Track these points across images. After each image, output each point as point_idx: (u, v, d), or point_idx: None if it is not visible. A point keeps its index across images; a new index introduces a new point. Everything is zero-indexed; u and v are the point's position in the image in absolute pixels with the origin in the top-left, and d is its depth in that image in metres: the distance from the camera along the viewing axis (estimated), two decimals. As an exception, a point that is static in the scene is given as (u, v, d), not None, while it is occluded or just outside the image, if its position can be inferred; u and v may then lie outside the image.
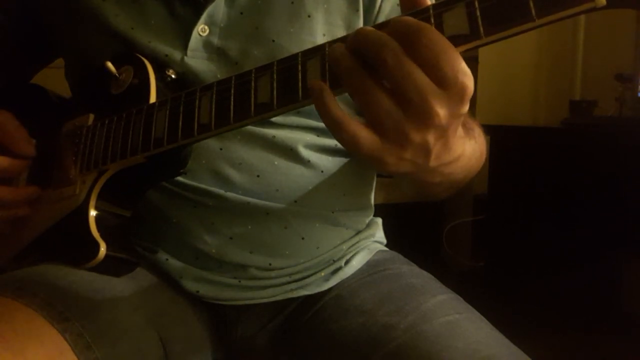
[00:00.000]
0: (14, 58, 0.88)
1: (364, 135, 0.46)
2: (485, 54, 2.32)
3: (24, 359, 0.58)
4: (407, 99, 0.45)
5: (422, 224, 2.30)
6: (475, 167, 0.67)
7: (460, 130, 0.52)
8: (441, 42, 0.44)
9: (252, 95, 0.54)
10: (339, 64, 0.47)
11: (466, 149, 0.57)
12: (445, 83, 0.45)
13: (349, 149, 0.48)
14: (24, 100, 0.83)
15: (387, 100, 0.46)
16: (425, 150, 0.48)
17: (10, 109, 0.75)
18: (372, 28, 0.47)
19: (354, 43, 0.47)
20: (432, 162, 0.49)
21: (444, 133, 0.47)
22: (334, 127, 0.47)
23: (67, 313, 0.64)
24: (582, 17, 2.34)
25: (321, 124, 0.73)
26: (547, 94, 2.52)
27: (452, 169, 0.54)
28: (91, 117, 0.72)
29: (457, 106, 0.46)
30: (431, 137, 0.47)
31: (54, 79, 0.88)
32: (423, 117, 0.46)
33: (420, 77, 0.45)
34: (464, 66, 0.44)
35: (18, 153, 0.74)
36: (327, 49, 0.50)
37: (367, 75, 0.46)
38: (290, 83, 0.52)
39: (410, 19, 0.46)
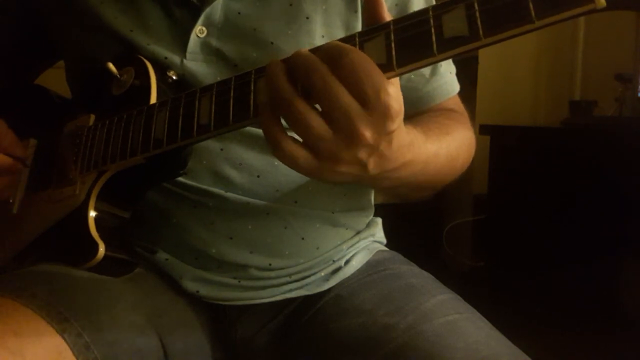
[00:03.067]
0: (16, 59, 0.89)
1: (301, 154, 0.50)
2: (485, 54, 2.32)
3: (23, 359, 0.58)
4: (334, 120, 0.48)
5: (422, 224, 2.30)
6: (449, 166, 0.69)
7: (411, 137, 0.56)
8: (364, 64, 0.47)
9: (252, 96, 0.54)
10: (271, 87, 0.50)
11: (421, 154, 0.59)
12: (368, 104, 0.47)
13: (287, 165, 0.51)
14: (26, 100, 0.84)
15: (318, 123, 0.48)
16: (360, 165, 0.51)
17: (11, 109, 0.75)
18: (305, 51, 0.49)
19: (288, 66, 0.50)
20: (372, 172, 0.53)
21: (374, 150, 0.51)
22: (271, 145, 0.50)
23: (66, 313, 0.64)
24: (582, 17, 2.34)
25: None
26: (547, 94, 2.52)
27: (401, 174, 0.57)
28: (92, 117, 0.72)
29: (383, 126, 0.49)
30: (362, 154, 0.50)
31: (54, 79, 0.88)
32: (351, 138, 0.49)
33: (346, 100, 0.47)
34: (386, 87, 0.47)
35: (10, 155, 0.74)
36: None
37: (299, 99, 0.49)
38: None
39: (337, 43, 0.48)
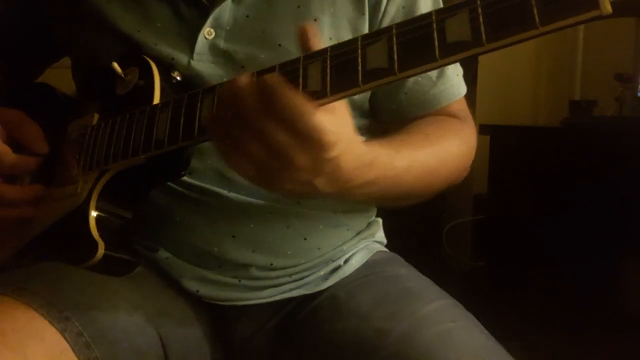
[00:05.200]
0: (18, 58, 0.89)
1: (248, 171, 0.53)
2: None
3: (24, 358, 0.58)
4: (269, 150, 0.51)
5: (422, 224, 2.30)
6: (427, 179, 0.69)
7: (374, 156, 0.58)
8: (293, 101, 0.49)
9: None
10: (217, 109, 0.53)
11: (389, 170, 0.62)
12: (301, 138, 0.50)
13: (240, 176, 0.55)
14: (32, 98, 0.84)
15: (256, 149, 0.51)
16: (306, 184, 0.54)
17: (18, 108, 0.75)
18: (241, 85, 0.51)
19: (223, 98, 0.53)
20: (327, 190, 0.55)
21: (318, 172, 0.53)
22: (222, 158, 0.54)
23: (67, 313, 0.64)
24: (583, 17, 2.34)
25: None
26: (547, 94, 2.52)
27: (368, 190, 0.60)
28: (96, 117, 0.72)
29: (320, 155, 0.51)
30: (303, 176, 0.53)
31: (58, 79, 0.88)
32: (286, 165, 0.51)
33: (280, 137, 0.50)
34: (318, 125, 0.49)
35: (32, 151, 0.74)
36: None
37: (236, 128, 0.52)
38: (292, 86, 0.51)
39: (269, 78, 0.50)
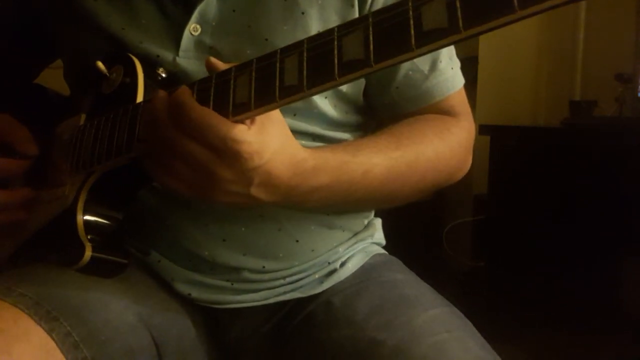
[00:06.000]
0: (14, 58, 0.88)
1: (179, 186, 0.55)
2: (485, 54, 2.32)
3: (9, 357, 0.58)
4: (191, 166, 0.52)
5: (422, 224, 2.30)
6: (397, 182, 0.68)
7: (316, 162, 0.59)
8: (205, 118, 0.51)
9: (231, 95, 0.52)
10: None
11: (342, 174, 0.62)
12: (218, 152, 0.51)
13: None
14: (24, 99, 0.83)
15: (179, 167, 0.53)
16: (241, 195, 0.55)
17: (9, 109, 0.75)
18: (155, 102, 0.54)
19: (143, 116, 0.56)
20: (268, 199, 0.57)
21: (249, 182, 0.54)
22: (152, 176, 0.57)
23: (55, 312, 0.63)
24: (582, 17, 2.34)
25: (316, 129, 0.73)
26: (547, 94, 2.52)
27: (320, 195, 0.61)
28: (83, 117, 0.71)
29: (241, 166, 0.52)
30: (234, 187, 0.54)
31: (55, 79, 0.88)
32: (211, 179, 0.53)
33: (194, 149, 0.52)
34: (232, 135, 0.51)
35: (20, 153, 0.74)
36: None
37: (161, 146, 0.53)
38: (268, 82, 0.50)
39: (178, 93, 0.52)
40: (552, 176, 2.00)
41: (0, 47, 0.86)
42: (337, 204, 0.67)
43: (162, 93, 0.55)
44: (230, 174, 0.52)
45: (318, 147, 0.62)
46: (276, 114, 0.55)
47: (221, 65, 0.55)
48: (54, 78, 0.89)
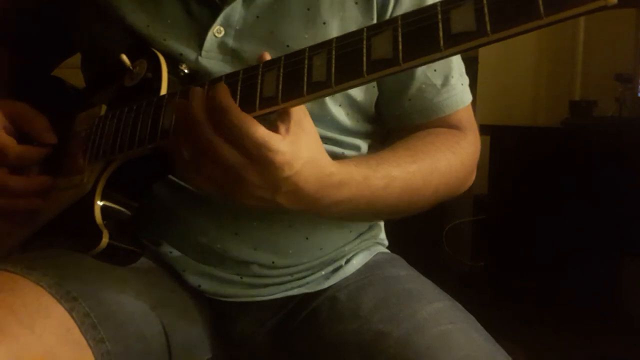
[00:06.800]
0: (33, 52, 0.89)
1: (206, 185, 0.56)
2: (485, 54, 2.32)
3: (32, 332, 0.59)
4: (223, 169, 0.54)
5: (422, 224, 2.30)
6: (412, 195, 0.69)
7: (342, 177, 0.60)
8: (244, 124, 0.51)
9: (258, 88, 0.54)
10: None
11: (363, 189, 0.63)
12: (252, 158, 0.53)
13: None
14: (43, 91, 0.84)
15: (210, 168, 0.54)
16: (264, 201, 0.56)
17: (28, 100, 0.76)
18: (191, 100, 0.54)
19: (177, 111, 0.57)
20: (291, 207, 0.58)
21: (276, 190, 0.55)
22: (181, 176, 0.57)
23: (74, 293, 0.65)
24: (582, 17, 2.34)
25: (328, 133, 0.74)
26: (547, 94, 2.52)
27: (342, 207, 0.62)
28: (103, 107, 0.73)
29: (271, 174, 0.53)
30: (259, 193, 0.56)
31: (65, 78, 0.88)
32: (240, 183, 0.54)
33: (230, 157, 0.53)
34: (267, 144, 0.52)
35: (39, 141, 0.75)
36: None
37: (194, 146, 0.55)
38: (295, 78, 0.52)
39: (216, 98, 0.53)
40: (552, 176, 2.01)
41: (22, 39, 0.88)
42: (357, 216, 0.70)
43: (198, 90, 0.55)
44: (260, 180, 0.54)
45: (343, 161, 0.63)
46: (310, 126, 0.56)
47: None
48: (65, 77, 0.90)
